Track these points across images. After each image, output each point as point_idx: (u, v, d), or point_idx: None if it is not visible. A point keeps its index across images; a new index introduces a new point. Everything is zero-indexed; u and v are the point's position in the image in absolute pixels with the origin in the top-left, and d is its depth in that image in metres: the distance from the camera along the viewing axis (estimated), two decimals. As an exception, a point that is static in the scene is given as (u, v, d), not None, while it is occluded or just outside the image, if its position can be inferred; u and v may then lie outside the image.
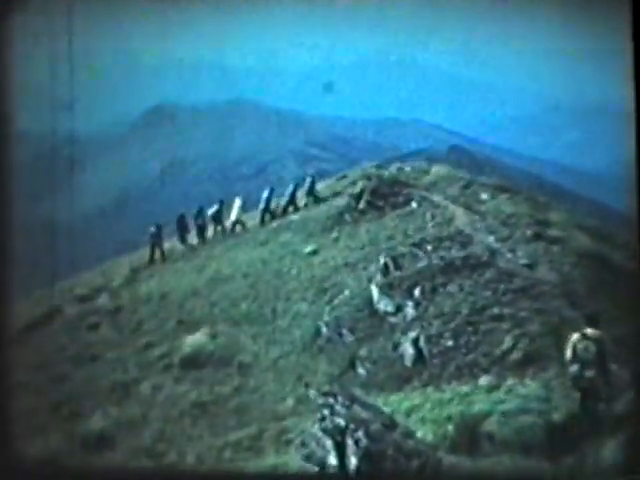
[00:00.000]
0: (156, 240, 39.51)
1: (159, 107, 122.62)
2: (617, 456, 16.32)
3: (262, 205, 41.20)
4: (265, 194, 41.53)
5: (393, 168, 45.07)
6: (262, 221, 40.63)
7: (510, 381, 20.69)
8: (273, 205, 41.73)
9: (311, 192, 41.95)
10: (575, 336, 17.80)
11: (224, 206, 41.32)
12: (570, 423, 17.63)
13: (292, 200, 41.45)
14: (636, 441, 16.58)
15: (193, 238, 41.02)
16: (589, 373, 17.58)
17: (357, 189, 38.27)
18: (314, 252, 33.41)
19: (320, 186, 44.03)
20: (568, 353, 17.83)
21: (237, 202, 40.67)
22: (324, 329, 26.76)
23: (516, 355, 22.31)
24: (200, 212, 41.11)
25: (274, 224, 39.24)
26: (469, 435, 17.39)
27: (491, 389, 20.37)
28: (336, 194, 40.80)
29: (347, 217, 36.26)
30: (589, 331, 17.69)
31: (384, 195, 36.84)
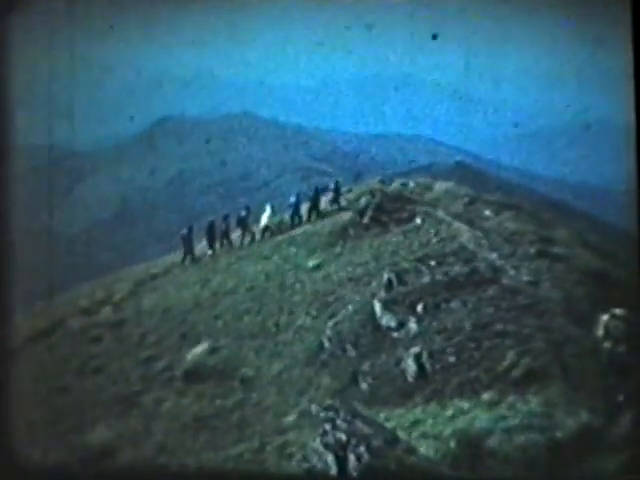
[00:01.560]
0: (187, 242, 39.67)
1: (161, 120, 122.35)
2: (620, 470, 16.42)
3: (291, 211, 41.02)
4: (292, 199, 41.42)
5: (397, 184, 45.03)
6: (291, 226, 40.40)
7: (512, 398, 20.70)
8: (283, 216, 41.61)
9: (315, 207, 41.90)
10: (605, 316, 18.43)
11: (250, 213, 41.22)
12: (573, 440, 17.66)
13: (297, 212, 41.29)
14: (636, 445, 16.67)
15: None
16: (621, 348, 18.09)
17: (361, 204, 38.25)
18: (318, 266, 33.39)
19: (323, 200, 44.00)
20: (600, 332, 18.40)
21: (267, 209, 40.64)
22: (327, 344, 26.76)
23: (518, 372, 22.29)
24: (226, 218, 41.01)
25: (278, 238, 39.17)
26: (471, 451, 17.39)
27: (493, 405, 20.38)
28: (340, 209, 40.75)
29: (351, 232, 36.19)
30: (618, 311, 18.28)
31: (388, 210, 36.83)
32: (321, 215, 40.64)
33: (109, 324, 32.68)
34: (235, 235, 40.80)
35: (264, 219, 40.46)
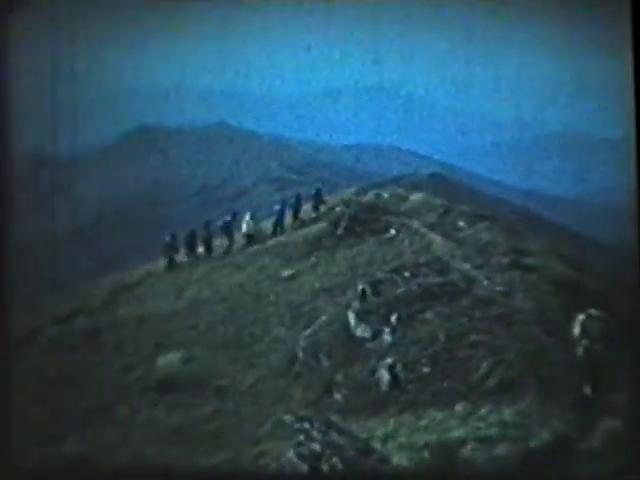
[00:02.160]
0: (170, 250, 39.65)
1: (139, 129, 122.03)
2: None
3: (275, 218, 41.08)
4: (277, 207, 41.49)
5: (372, 194, 45.12)
6: (274, 233, 40.45)
7: (486, 408, 20.78)
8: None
9: (296, 215, 42.00)
10: (581, 316, 18.87)
11: (235, 219, 41.14)
12: (546, 450, 17.77)
13: (281, 221, 41.34)
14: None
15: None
16: (598, 346, 18.52)
17: (336, 215, 38.33)
18: (292, 277, 33.44)
19: (305, 208, 43.97)
20: (576, 331, 18.83)
21: (247, 216, 40.58)
22: (301, 354, 26.79)
23: (492, 382, 22.40)
24: (207, 225, 40.96)
25: (254, 248, 39.16)
26: (445, 461, 17.45)
27: (467, 416, 20.46)
28: (315, 219, 40.80)
29: (325, 242, 36.22)
30: (593, 311, 18.75)
31: (363, 221, 36.91)
32: (298, 224, 40.76)
33: (84, 333, 32.57)
34: (216, 243, 40.78)
35: (244, 226, 40.38)
